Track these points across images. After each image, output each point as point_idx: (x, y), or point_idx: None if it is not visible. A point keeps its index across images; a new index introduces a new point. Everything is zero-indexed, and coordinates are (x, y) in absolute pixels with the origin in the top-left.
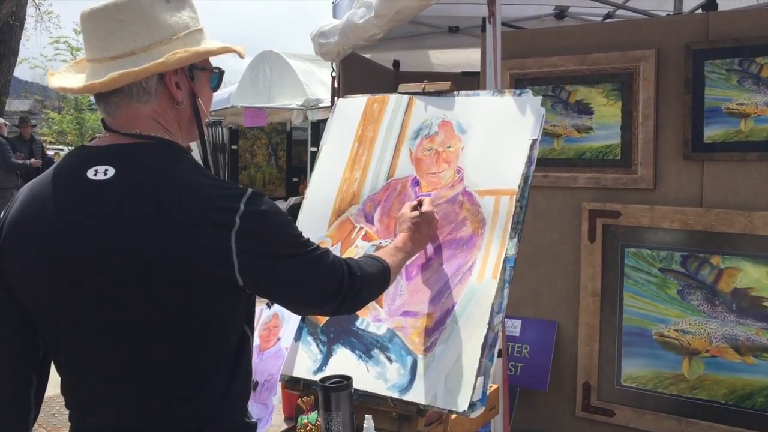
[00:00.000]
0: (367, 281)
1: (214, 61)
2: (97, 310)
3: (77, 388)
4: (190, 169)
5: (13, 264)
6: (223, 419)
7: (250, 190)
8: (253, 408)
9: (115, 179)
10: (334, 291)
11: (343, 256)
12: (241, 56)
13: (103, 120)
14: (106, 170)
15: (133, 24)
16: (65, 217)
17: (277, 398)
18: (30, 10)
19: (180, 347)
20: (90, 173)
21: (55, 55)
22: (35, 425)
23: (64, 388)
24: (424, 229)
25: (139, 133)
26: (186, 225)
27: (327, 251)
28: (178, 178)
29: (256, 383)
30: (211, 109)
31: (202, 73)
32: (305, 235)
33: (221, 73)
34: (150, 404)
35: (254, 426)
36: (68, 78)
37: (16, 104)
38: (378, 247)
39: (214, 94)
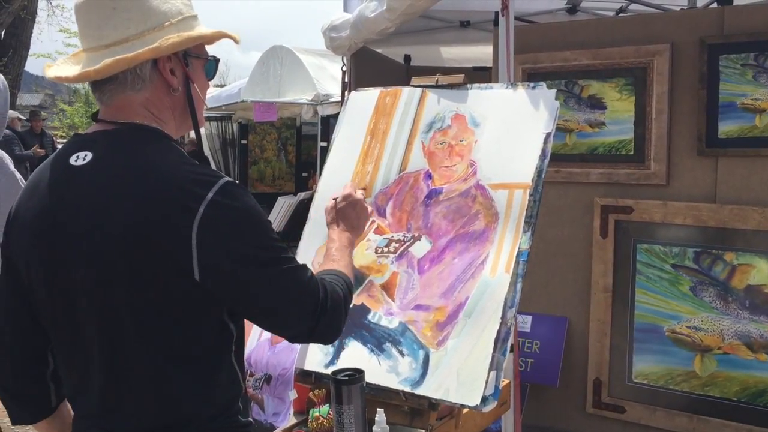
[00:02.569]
0: (344, 306)
1: (218, 53)
2: (77, 297)
3: (68, 378)
4: (169, 154)
5: (13, 252)
6: (205, 416)
7: (225, 180)
8: (270, 402)
9: (91, 164)
10: (310, 310)
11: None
12: (236, 42)
13: (94, 113)
14: (86, 155)
15: (126, 11)
16: (50, 203)
17: (294, 393)
18: (41, 3)
19: (151, 338)
20: (72, 159)
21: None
22: None
23: (63, 378)
24: (350, 213)
25: (124, 121)
26: (157, 209)
27: (304, 266)
28: (154, 161)
29: (270, 377)
30: (221, 104)
31: (197, 60)
32: (314, 226)
33: (216, 61)
34: (128, 395)
35: (247, 425)
36: (65, 68)
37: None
38: (390, 241)
39: (224, 88)
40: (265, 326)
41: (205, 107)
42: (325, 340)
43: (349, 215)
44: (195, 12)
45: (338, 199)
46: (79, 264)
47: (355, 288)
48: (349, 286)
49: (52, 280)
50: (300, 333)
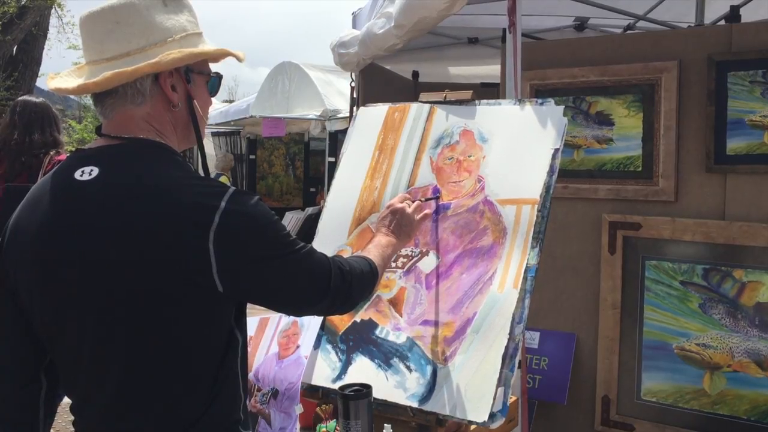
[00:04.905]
0: (357, 277)
1: (226, 68)
2: (78, 311)
3: (71, 392)
4: (175, 169)
5: (11, 266)
6: (205, 426)
7: (232, 189)
8: (276, 417)
9: (98, 179)
10: (324, 287)
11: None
12: (239, 60)
13: (97, 127)
14: (92, 170)
15: (129, 26)
16: (52, 218)
17: (299, 407)
18: (52, 20)
19: (157, 349)
20: (77, 174)
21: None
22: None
23: (66, 393)
24: (401, 221)
25: (128, 135)
26: (166, 223)
27: (312, 248)
28: (161, 176)
29: (277, 392)
30: (230, 120)
31: (199, 77)
32: (322, 240)
33: (219, 77)
34: (131, 407)
35: None
36: (66, 80)
37: None
38: (398, 256)
39: (233, 104)
40: (285, 311)
41: (207, 123)
42: (342, 311)
43: (401, 223)
44: (200, 30)
45: (390, 210)
46: (84, 280)
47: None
48: (371, 266)
49: (51, 295)
50: (320, 306)
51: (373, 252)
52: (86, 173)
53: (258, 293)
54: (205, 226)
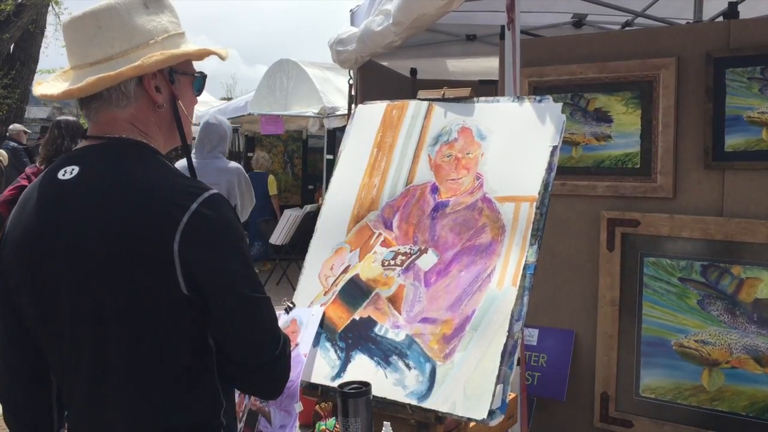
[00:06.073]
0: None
1: (224, 66)
2: (60, 311)
3: (64, 395)
4: (154, 168)
5: (6, 270)
6: (184, 430)
7: (211, 192)
8: (276, 415)
9: (77, 177)
10: (274, 343)
11: (362, 262)
12: (222, 58)
13: (84, 130)
14: (73, 170)
15: (111, 30)
16: (36, 219)
17: (299, 405)
18: (50, 18)
19: (130, 352)
20: (60, 174)
21: None
22: None
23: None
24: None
25: (111, 135)
26: (138, 222)
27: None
28: (139, 176)
29: None
30: (228, 117)
31: (183, 77)
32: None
33: (203, 77)
34: (110, 408)
35: None
36: (53, 85)
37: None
38: (396, 254)
39: (231, 102)
40: (228, 344)
41: (192, 123)
42: (270, 385)
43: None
44: (182, 30)
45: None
46: (64, 279)
47: (361, 301)
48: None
49: (40, 295)
50: (257, 363)
51: None
52: (68, 173)
53: (214, 306)
54: (172, 225)
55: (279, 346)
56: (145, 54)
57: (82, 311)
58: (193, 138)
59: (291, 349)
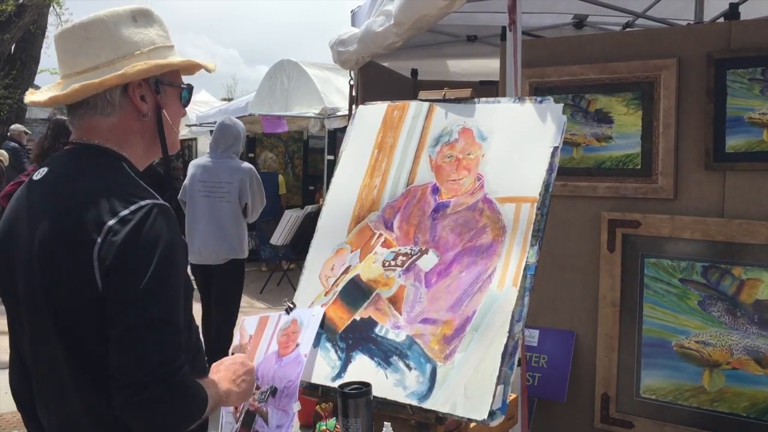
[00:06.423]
0: (191, 396)
1: (226, 67)
2: (18, 310)
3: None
4: (107, 172)
5: None
6: None
7: (153, 203)
8: (273, 415)
9: (42, 179)
10: (147, 367)
11: (362, 263)
12: (208, 71)
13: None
14: (43, 170)
15: (98, 40)
16: (11, 217)
17: (297, 405)
18: (51, 18)
19: (70, 350)
20: (35, 174)
21: None
22: None
23: None
24: (249, 380)
25: (84, 142)
26: (72, 221)
27: (179, 331)
28: (93, 180)
29: (275, 390)
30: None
31: (169, 88)
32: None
33: (190, 88)
34: (53, 406)
35: None
36: (43, 94)
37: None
38: (397, 254)
39: (232, 102)
40: (113, 354)
41: (177, 133)
42: (138, 414)
43: (244, 380)
44: (171, 43)
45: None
46: (20, 275)
47: (362, 301)
48: (203, 401)
49: (9, 292)
50: (123, 381)
51: (211, 391)
52: (40, 173)
53: (110, 313)
54: (98, 226)
55: (152, 372)
56: (129, 64)
57: (28, 309)
58: (189, 144)
59: (242, 372)
